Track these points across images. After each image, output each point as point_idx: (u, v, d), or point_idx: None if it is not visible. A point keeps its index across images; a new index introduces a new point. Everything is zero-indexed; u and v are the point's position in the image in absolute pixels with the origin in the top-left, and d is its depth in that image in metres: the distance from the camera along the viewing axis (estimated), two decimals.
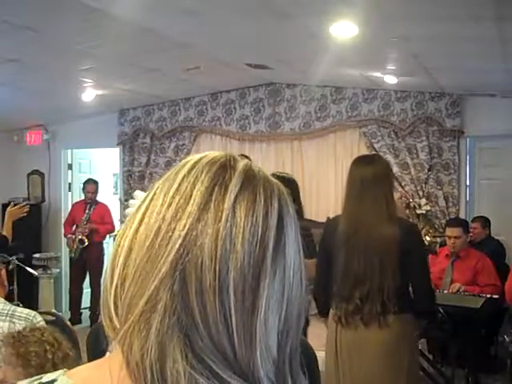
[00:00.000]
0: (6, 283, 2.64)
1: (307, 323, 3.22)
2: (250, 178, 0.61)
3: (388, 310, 2.57)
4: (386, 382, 2.62)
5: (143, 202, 0.62)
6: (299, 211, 3.26)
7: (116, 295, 0.59)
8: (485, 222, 5.46)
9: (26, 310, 2.44)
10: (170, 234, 0.57)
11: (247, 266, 0.56)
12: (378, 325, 2.57)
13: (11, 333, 1.84)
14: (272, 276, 0.58)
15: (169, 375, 0.54)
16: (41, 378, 0.62)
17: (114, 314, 0.58)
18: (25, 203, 4.98)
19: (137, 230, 0.59)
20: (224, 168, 0.61)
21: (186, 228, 0.57)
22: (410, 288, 2.70)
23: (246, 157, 5.84)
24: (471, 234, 5.32)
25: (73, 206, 7.43)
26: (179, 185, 0.60)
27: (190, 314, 0.55)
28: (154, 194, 0.62)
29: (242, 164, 0.63)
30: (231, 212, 0.57)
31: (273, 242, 0.58)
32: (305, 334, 3.05)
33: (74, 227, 6.88)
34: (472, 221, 5.54)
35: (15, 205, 4.68)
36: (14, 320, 2.36)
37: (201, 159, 0.63)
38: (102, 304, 0.61)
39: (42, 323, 2.39)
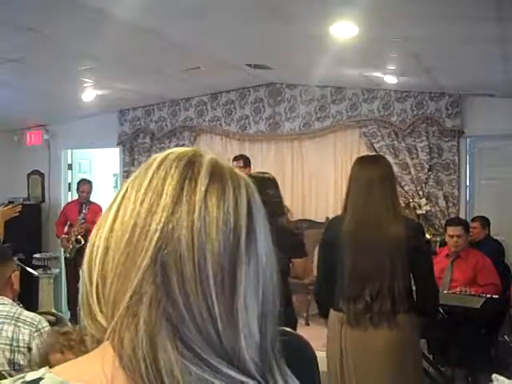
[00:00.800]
0: (15, 286, 2.62)
1: (295, 323, 3.19)
2: (218, 171, 0.63)
3: (398, 309, 2.57)
4: (393, 381, 2.61)
5: (114, 200, 0.64)
6: (282, 208, 3.25)
7: (98, 294, 0.60)
8: (484, 221, 5.46)
9: (32, 315, 2.43)
10: (147, 228, 0.58)
11: (223, 255, 0.59)
12: (387, 324, 2.56)
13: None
14: (247, 262, 0.60)
15: (162, 365, 0.56)
16: (23, 376, 0.62)
17: (98, 312, 0.60)
18: (17, 203, 4.97)
19: (111, 229, 0.61)
20: (191, 162, 0.63)
21: (162, 221, 0.58)
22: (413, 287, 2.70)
23: (245, 156, 5.85)
24: (471, 234, 5.32)
25: (65, 206, 7.34)
26: (150, 181, 0.62)
27: (174, 304, 0.57)
28: (126, 192, 0.63)
29: (208, 158, 0.65)
30: (203, 203, 0.60)
31: (245, 229, 0.61)
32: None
33: (67, 227, 6.85)
34: (472, 220, 5.54)
35: (8, 204, 4.68)
36: (18, 324, 2.35)
37: (168, 155, 0.65)
38: (81, 305, 0.62)
39: (48, 329, 2.38)
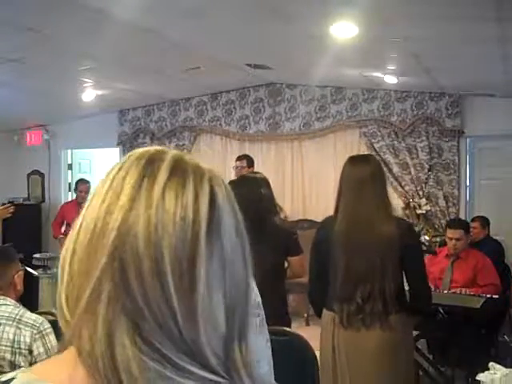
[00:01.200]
0: (19, 287, 2.61)
1: (289, 322, 3.19)
2: (179, 166, 0.63)
3: (389, 310, 2.57)
4: (385, 382, 2.62)
5: (85, 204, 0.65)
6: (275, 206, 3.25)
7: (67, 295, 0.61)
8: (484, 221, 5.46)
9: (34, 316, 2.42)
10: (105, 227, 0.59)
11: (181, 249, 0.59)
12: (379, 325, 2.56)
13: None
14: (209, 255, 0.60)
15: (119, 361, 0.56)
16: (4, 376, 0.64)
17: (66, 313, 0.61)
18: (9, 204, 4.96)
19: (78, 232, 0.62)
20: (152, 161, 0.63)
21: (119, 219, 0.59)
22: (406, 287, 2.70)
23: (248, 156, 5.83)
24: (471, 234, 5.33)
25: (63, 206, 7.24)
26: (111, 182, 0.63)
27: (133, 300, 0.58)
28: (93, 196, 0.64)
29: (171, 155, 0.65)
30: (161, 199, 0.60)
31: (205, 222, 0.60)
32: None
33: (65, 227, 6.83)
34: (471, 220, 5.54)
35: (4, 204, 4.69)
36: (20, 326, 2.35)
37: (130, 156, 0.66)
38: (57, 307, 0.63)
39: (49, 331, 2.37)
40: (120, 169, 0.64)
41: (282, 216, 3.45)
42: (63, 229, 6.80)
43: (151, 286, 0.57)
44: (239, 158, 5.74)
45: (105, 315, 0.57)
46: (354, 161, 2.79)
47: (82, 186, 6.95)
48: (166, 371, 0.57)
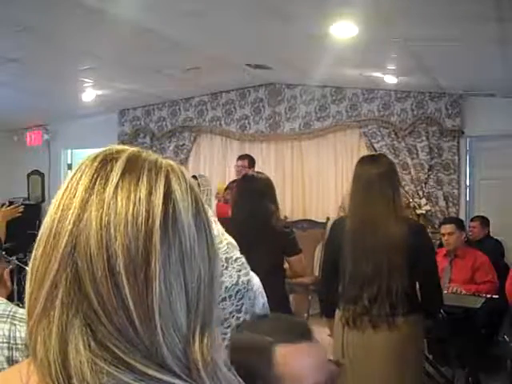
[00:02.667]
0: (9, 284, 2.62)
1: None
2: (134, 164, 0.62)
3: (397, 312, 2.54)
4: (391, 382, 2.60)
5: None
6: (276, 209, 3.27)
7: (29, 302, 0.61)
8: (484, 221, 5.46)
9: None
10: (58, 232, 0.59)
11: (134, 248, 0.57)
12: (387, 327, 2.54)
13: None
14: (164, 252, 0.58)
15: (72, 366, 0.55)
16: None
17: (28, 321, 0.60)
18: (19, 203, 4.96)
19: (39, 239, 0.62)
20: (106, 161, 0.62)
21: (72, 223, 0.58)
22: (417, 288, 2.68)
23: (250, 156, 5.81)
24: (470, 233, 5.33)
25: None
26: (67, 185, 0.62)
27: (88, 303, 0.57)
28: (53, 201, 0.63)
29: (126, 153, 0.63)
30: (113, 198, 0.59)
31: (160, 218, 0.59)
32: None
33: None
34: (471, 220, 5.54)
35: (10, 205, 4.67)
36: (14, 322, 2.35)
37: (86, 158, 0.64)
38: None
39: None
40: (77, 171, 0.63)
41: (279, 216, 3.46)
42: None
43: (106, 288, 0.57)
44: (241, 158, 5.76)
45: (58, 320, 0.57)
46: (363, 161, 2.78)
47: None
48: (122, 376, 0.56)
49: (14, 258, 5.38)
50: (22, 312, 2.41)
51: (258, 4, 3.64)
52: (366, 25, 3.82)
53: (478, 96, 5.84)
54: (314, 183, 6.71)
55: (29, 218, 7.52)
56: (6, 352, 2.32)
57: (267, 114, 6.84)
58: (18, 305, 3.00)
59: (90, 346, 0.56)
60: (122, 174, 0.60)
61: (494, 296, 4.29)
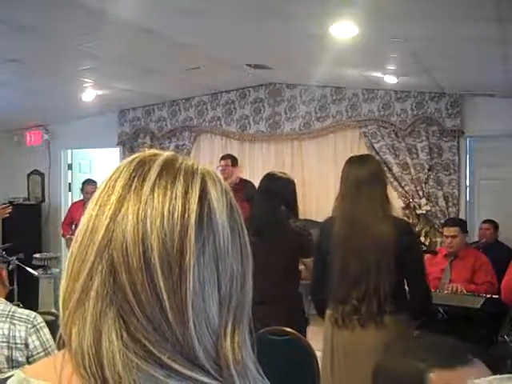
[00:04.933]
0: (7, 283, 2.63)
1: (307, 322, 3.22)
2: (170, 166, 0.64)
3: (384, 311, 2.56)
4: None
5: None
6: (295, 211, 3.29)
7: (64, 294, 0.62)
8: (495, 224, 5.50)
9: (27, 311, 2.43)
10: (96, 227, 0.61)
11: (170, 242, 0.59)
12: (374, 326, 2.56)
13: None
14: (199, 248, 0.60)
15: (105, 356, 0.57)
16: (4, 374, 0.65)
17: (62, 312, 0.62)
18: (6, 204, 4.96)
19: (77, 235, 0.64)
20: (143, 162, 0.64)
21: (108, 218, 0.60)
22: (407, 288, 2.69)
23: (232, 156, 5.83)
24: (483, 235, 5.35)
25: (71, 206, 7.36)
26: (106, 184, 0.64)
27: (122, 295, 0.58)
28: (91, 199, 0.66)
29: (163, 156, 0.66)
30: (149, 195, 0.61)
31: (195, 215, 0.61)
32: (304, 333, 3.05)
33: (74, 227, 6.86)
34: (484, 222, 5.57)
35: (10, 205, 4.68)
36: (14, 321, 2.36)
37: (124, 161, 0.67)
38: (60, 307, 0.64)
39: (43, 324, 2.39)
40: (114, 172, 0.65)
41: (297, 218, 3.48)
42: (73, 228, 6.82)
43: (141, 280, 0.58)
44: (223, 158, 5.81)
45: (93, 310, 0.58)
46: (352, 161, 2.79)
47: (87, 186, 6.95)
48: (151, 370, 0.57)
49: (14, 258, 5.38)
50: (20, 311, 2.41)
51: (257, 4, 3.65)
52: (366, 25, 3.82)
53: (478, 96, 5.85)
54: (314, 183, 6.71)
55: (29, 217, 7.56)
56: (5, 351, 2.32)
57: (267, 114, 6.84)
58: (17, 305, 3.01)
59: (122, 337, 0.57)
60: (160, 173, 0.62)
61: (493, 296, 4.29)
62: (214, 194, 0.63)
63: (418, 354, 1.00)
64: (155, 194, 0.61)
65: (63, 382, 0.59)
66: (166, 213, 0.60)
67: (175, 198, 0.61)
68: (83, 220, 0.64)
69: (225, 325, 0.62)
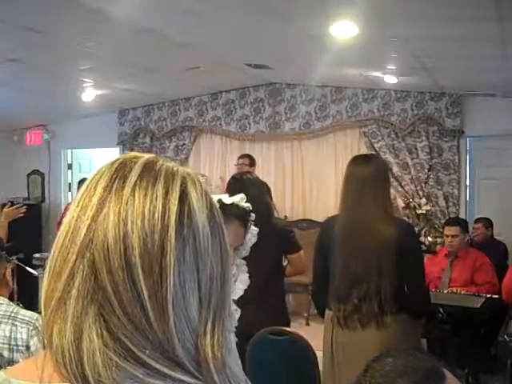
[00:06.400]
0: (10, 284, 2.62)
1: (288, 324, 3.21)
2: (151, 168, 0.65)
3: (385, 311, 2.56)
4: None
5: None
6: (269, 211, 3.27)
7: (46, 295, 0.63)
8: (487, 222, 5.46)
9: (29, 313, 2.42)
10: (77, 227, 0.62)
11: (150, 241, 0.60)
12: (375, 325, 2.56)
13: None
14: (179, 247, 0.61)
15: (85, 354, 0.57)
16: None
17: (43, 313, 0.63)
18: (22, 204, 4.96)
19: (59, 235, 0.65)
20: (124, 164, 0.66)
21: (90, 218, 0.61)
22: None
23: (250, 156, 5.85)
24: (474, 235, 5.32)
25: (66, 206, 7.35)
26: (87, 186, 0.65)
27: (103, 294, 0.59)
28: (73, 201, 0.67)
29: (144, 158, 0.67)
30: (130, 196, 0.62)
31: (175, 216, 0.62)
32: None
33: None
34: (475, 222, 5.53)
35: (12, 205, 4.66)
36: (16, 323, 2.34)
37: (106, 163, 0.68)
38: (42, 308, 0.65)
39: None
40: (96, 173, 0.66)
41: (276, 215, 3.48)
42: None
43: (121, 279, 0.59)
44: (242, 157, 5.84)
45: (74, 309, 0.59)
46: (356, 161, 2.79)
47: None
48: (131, 369, 0.58)
49: (14, 257, 5.38)
50: (23, 313, 2.40)
51: (257, 4, 3.65)
52: (366, 25, 3.82)
53: (478, 96, 5.85)
54: (314, 183, 6.71)
55: (29, 217, 7.53)
56: (6, 353, 2.31)
57: (267, 114, 6.84)
58: (18, 305, 3.00)
59: (102, 335, 0.58)
60: (140, 175, 0.64)
61: (493, 296, 4.29)
62: (194, 195, 0.65)
63: (392, 381, 0.97)
64: (136, 195, 0.62)
65: (44, 381, 0.59)
66: (146, 213, 0.61)
67: (156, 198, 0.62)
68: (65, 221, 0.64)
69: (205, 323, 0.63)
